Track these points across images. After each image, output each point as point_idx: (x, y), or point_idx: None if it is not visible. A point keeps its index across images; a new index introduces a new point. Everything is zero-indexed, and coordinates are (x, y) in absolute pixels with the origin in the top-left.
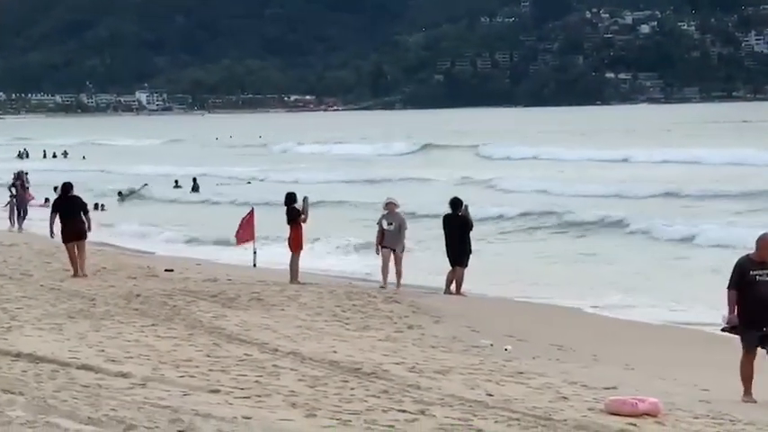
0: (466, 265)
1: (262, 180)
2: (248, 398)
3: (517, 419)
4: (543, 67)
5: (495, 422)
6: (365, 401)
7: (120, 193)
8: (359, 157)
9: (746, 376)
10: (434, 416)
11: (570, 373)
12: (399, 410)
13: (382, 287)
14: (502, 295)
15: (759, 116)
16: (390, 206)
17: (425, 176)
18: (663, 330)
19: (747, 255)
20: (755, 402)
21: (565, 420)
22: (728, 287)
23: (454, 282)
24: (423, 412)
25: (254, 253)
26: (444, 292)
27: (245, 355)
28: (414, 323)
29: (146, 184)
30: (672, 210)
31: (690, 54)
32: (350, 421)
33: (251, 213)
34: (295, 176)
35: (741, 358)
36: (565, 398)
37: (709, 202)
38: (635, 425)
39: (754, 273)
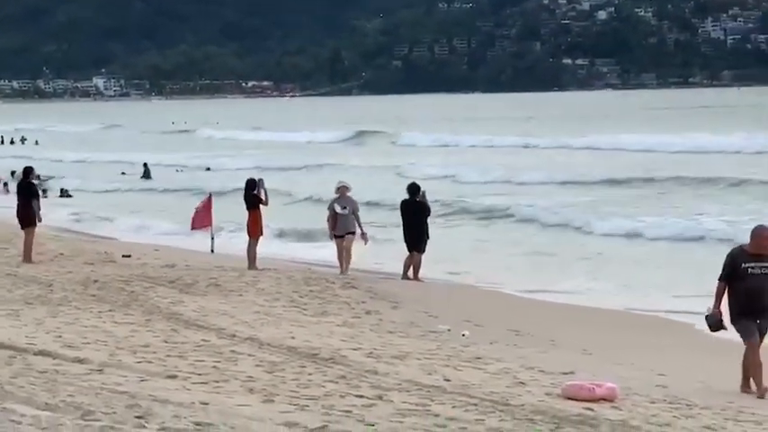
0: (423, 251)
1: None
2: (206, 383)
3: (475, 405)
4: (501, 53)
5: (453, 407)
6: (323, 387)
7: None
8: (289, 145)
9: (747, 368)
10: (392, 401)
11: (527, 359)
12: (357, 396)
13: (342, 274)
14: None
15: (691, 102)
16: (342, 189)
17: (342, 163)
18: (619, 316)
19: (741, 246)
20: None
21: (522, 405)
22: (719, 278)
23: (411, 267)
24: (380, 397)
25: (212, 239)
26: (402, 278)
27: (203, 340)
28: (371, 309)
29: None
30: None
31: (647, 40)
32: (307, 406)
33: (209, 199)
34: (207, 163)
35: (745, 352)
36: (522, 383)
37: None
38: (592, 409)
39: (747, 265)
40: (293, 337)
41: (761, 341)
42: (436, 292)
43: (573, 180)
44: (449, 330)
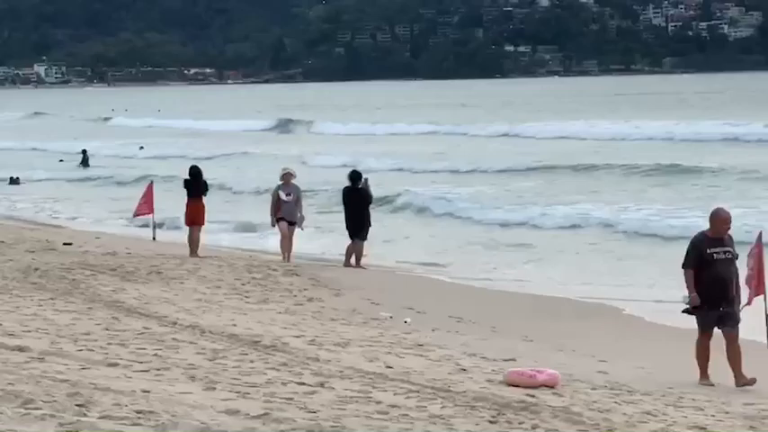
0: (365, 238)
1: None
2: (147, 371)
3: (416, 391)
4: (443, 40)
5: (395, 394)
6: (264, 374)
7: None
8: (209, 133)
9: (704, 358)
10: (334, 388)
11: (469, 345)
12: (299, 383)
13: (283, 261)
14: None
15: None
16: (287, 176)
17: (253, 152)
18: (560, 303)
19: (702, 232)
20: (713, 386)
21: (464, 392)
22: (685, 267)
23: (354, 255)
24: (322, 385)
25: (154, 226)
26: (344, 265)
27: (144, 328)
28: (313, 296)
29: None
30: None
31: (588, 27)
32: (249, 394)
33: (150, 186)
34: (117, 152)
35: (697, 340)
36: (464, 370)
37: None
38: (533, 396)
39: (712, 251)
40: (235, 325)
41: (729, 327)
42: (378, 279)
43: (477, 168)
44: (391, 317)
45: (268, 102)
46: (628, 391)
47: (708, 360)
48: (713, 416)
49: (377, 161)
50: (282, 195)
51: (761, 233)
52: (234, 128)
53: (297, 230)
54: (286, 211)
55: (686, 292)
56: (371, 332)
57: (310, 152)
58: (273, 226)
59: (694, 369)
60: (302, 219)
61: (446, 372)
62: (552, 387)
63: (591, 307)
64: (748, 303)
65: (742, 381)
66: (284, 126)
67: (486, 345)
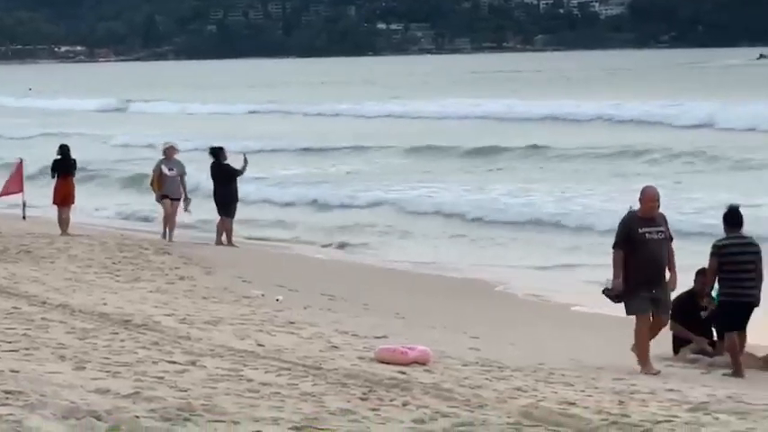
0: (233, 215)
1: None
2: (16, 351)
3: (288, 369)
4: (315, 17)
5: (266, 372)
6: (135, 353)
7: None
8: (45, 112)
9: (644, 345)
10: (205, 366)
11: (341, 323)
12: (169, 362)
13: (164, 238)
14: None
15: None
16: (170, 151)
17: (72, 132)
18: (432, 280)
19: (633, 211)
20: (658, 373)
21: (335, 369)
22: (615, 247)
23: (225, 232)
24: (193, 363)
25: (24, 205)
26: (216, 243)
27: (13, 308)
28: (185, 274)
29: None
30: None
31: (460, 5)
32: (119, 373)
33: (19, 165)
34: None
35: (636, 328)
36: (335, 347)
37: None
38: (405, 373)
39: (644, 230)
40: (105, 304)
41: (660, 311)
42: (250, 257)
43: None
44: (262, 295)
45: (122, 80)
46: (499, 368)
47: (648, 346)
48: (583, 391)
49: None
50: (165, 170)
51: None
52: (69, 106)
53: (180, 209)
54: (169, 187)
55: (610, 275)
56: (243, 310)
57: (117, 133)
58: (158, 201)
59: (564, 345)
60: (189, 201)
61: (317, 349)
62: (423, 364)
63: (464, 284)
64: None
65: (648, 369)
66: (123, 105)
67: (357, 322)
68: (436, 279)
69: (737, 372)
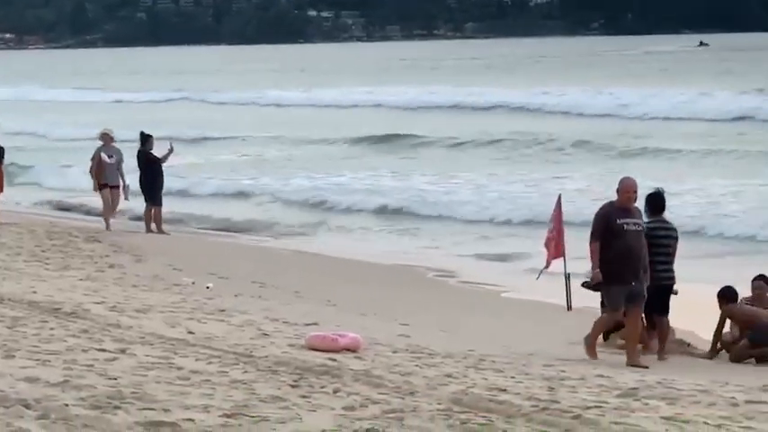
0: (161, 203)
1: None
2: None
3: (218, 357)
4: (246, 5)
5: (196, 360)
6: (65, 341)
7: None
8: None
9: (597, 334)
10: (135, 354)
11: (272, 310)
12: (99, 350)
13: (108, 229)
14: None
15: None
16: (106, 137)
17: None
18: (363, 267)
19: (610, 202)
20: (597, 359)
21: (266, 357)
22: (592, 238)
23: (154, 220)
24: (123, 351)
25: None
26: (146, 231)
27: None
28: (115, 262)
29: None
30: None
31: None
32: (49, 361)
33: None
34: None
35: (600, 318)
36: (266, 334)
37: None
38: (335, 360)
39: (622, 221)
40: (35, 292)
41: (636, 303)
42: (181, 244)
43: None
44: (193, 283)
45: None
46: (429, 354)
47: (600, 335)
48: (513, 377)
49: (51, 129)
50: (105, 157)
51: (560, 196)
52: None
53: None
54: (109, 175)
55: (589, 267)
56: (173, 298)
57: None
58: (96, 190)
59: (494, 332)
60: (128, 188)
61: (248, 337)
62: (354, 351)
63: (395, 272)
64: (546, 266)
65: (635, 361)
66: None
67: (288, 309)
68: (367, 266)
69: (658, 355)
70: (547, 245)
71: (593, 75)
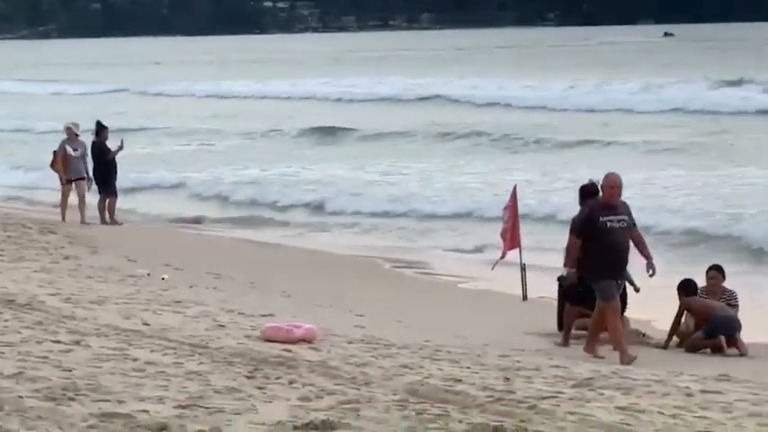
0: (115, 193)
1: None
2: None
3: (173, 348)
4: None
5: (151, 351)
6: (19, 333)
7: None
8: None
9: (599, 328)
10: (90, 346)
11: (227, 302)
12: (54, 341)
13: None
14: None
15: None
16: (70, 131)
17: None
18: (319, 258)
19: (595, 199)
20: (603, 358)
21: (221, 348)
22: (572, 234)
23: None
24: (78, 343)
25: None
26: (101, 222)
27: None
28: (70, 254)
29: None
30: None
31: None
32: (3, 353)
33: None
34: None
35: (604, 318)
36: (222, 326)
37: None
38: (291, 351)
39: (605, 219)
40: None
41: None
42: (136, 236)
43: None
44: (148, 274)
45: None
46: (385, 345)
47: (601, 331)
48: (469, 368)
49: None
50: (70, 150)
51: (515, 187)
52: None
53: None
54: (74, 168)
55: (566, 263)
56: (128, 289)
57: None
58: (62, 183)
59: (449, 322)
60: (90, 181)
61: (203, 328)
62: (310, 342)
63: (350, 262)
64: (502, 257)
65: (593, 351)
66: None
67: (244, 300)
68: (322, 257)
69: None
70: (502, 235)
71: (544, 66)
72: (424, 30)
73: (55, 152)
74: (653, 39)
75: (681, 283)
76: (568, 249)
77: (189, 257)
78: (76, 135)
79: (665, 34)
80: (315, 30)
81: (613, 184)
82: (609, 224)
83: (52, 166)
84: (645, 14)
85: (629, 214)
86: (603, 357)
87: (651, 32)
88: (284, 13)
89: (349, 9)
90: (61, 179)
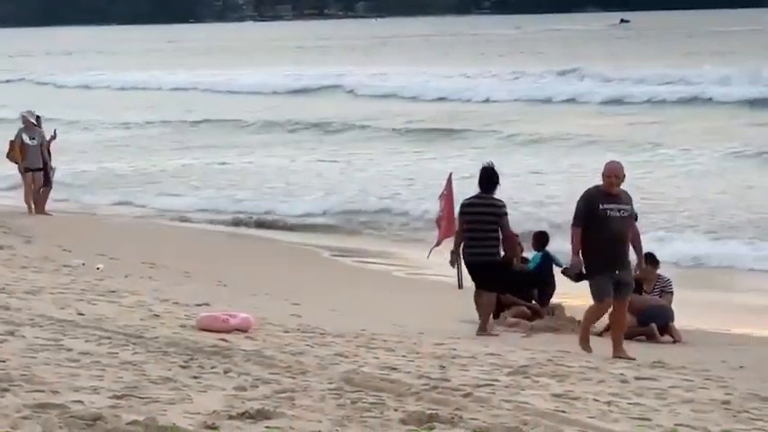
0: (50, 184)
1: None
2: None
3: (108, 338)
4: None
5: (86, 341)
6: None
7: None
8: None
9: (588, 326)
10: (24, 336)
11: (162, 291)
12: None
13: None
14: None
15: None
16: (26, 119)
17: None
18: (253, 246)
19: (596, 186)
20: (590, 352)
21: (156, 338)
22: (574, 224)
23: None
24: (12, 333)
25: None
26: (29, 212)
27: None
28: (4, 244)
29: None
30: None
31: None
32: None
33: None
34: None
35: (590, 308)
36: (157, 315)
37: None
38: (226, 340)
39: (605, 207)
40: None
41: (623, 295)
42: (71, 226)
43: None
44: (83, 264)
45: None
46: (320, 334)
47: (592, 325)
48: (404, 356)
49: None
50: (27, 139)
51: (450, 174)
52: None
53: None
54: (32, 158)
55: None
56: (63, 279)
57: None
58: (22, 173)
59: (385, 310)
60: (54, 170)
61: (138, 318)
62: (245, 331)
63: (287, 251)
64: (437, 244)
65: (621, 353)
66: None
67: (179, 290)
68: (256, 245)
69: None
70: (438, 223)
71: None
72: (360, 18)
73: (11, 141)
74: (608, 26)
75: None
76: (571, 239)
77: (123, 247)
78: (33, 124)
79: (621, 21)
80: (251, 19)
81: (611, 172)
82: (609, 212)
83: (8, 155)
84: (587, 3)
85: (631, 204)
86: (634, 358)
87: (606, 19)
88: (219, 3)
89: None
90: (20, 168)
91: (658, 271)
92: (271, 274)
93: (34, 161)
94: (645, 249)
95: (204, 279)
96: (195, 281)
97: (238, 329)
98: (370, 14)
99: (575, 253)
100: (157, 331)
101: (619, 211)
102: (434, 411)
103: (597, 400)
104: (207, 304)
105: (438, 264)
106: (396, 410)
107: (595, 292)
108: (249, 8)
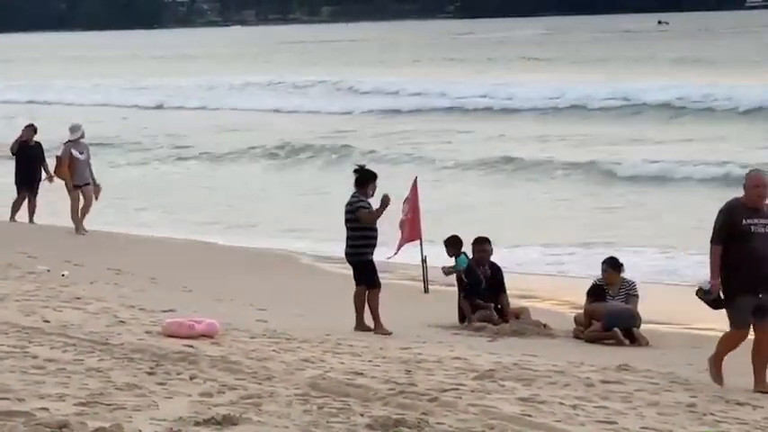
0: (34, 192)
1: None
2: None
3: (74, 345)
4: None
5: (51, 348)
6: None
7: None
8: None
9: (723, 355)
10: None
11: (128, 297)
12: None
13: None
14: None
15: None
16: (76, 131)
17: None
18: (220, 252)
19: (737, 198)
20: (723, 386)
21: (122, 344)
22: (713, 241)
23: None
24: None
25: None
26: (10, 220)
27: None
28: None
29: None
30: None
31: None
32: None
33: None
34: None
35: (727, 335)
36: (122, 322)
37: None
38: (192, 346)
39: (749, 222)
40: None
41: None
42: (36, 233)
43: None
44: (48, 271)
45: None
46: (287, 339)
47: (727, 353)
48: (370, 361)
49: None
50: (76, 153)
51: (416, 178)
52: None
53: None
54: (80, 174)
55: (708, 276)
56: (28, 286)
57: None
58: (71, 190)
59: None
60: (99, 188)
61: (104, 324)
62: (211, 337)
63: (253, 256)
64: (398, 249)
65: (764, 387)
66: None
67: (144, 296)
68: (222, 251)
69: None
70: (401, 227)
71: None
72: (324, 23)
73: (58, 157)
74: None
75: (590, 289)
76: (711, 261)
77: (89, 254)
78: (80, 137)
79: (659, 23)
80: (215, 24)
81: (758, 182)
82: (753, 228)
83: (56, 171)
84: (547, 7)
85: None
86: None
87: (644, 21)
88: (183, 8)
89: (249, 3)
90: (68, 185)
91: (623, 275)
92: (236, 280)
93: (83, 177)
94: None
95: (170, 285)
96: (161, 287)
97: (204, 335)
98: (333, 19)
99: (713, 276)
100: (123, 338)
101: (765, 226)
102: (401, 416)
103: (563, 404)
104: (173, 310)
105: (403, 267)
106: (362, 415)
107: (734, 318)
108: (214, 13)
